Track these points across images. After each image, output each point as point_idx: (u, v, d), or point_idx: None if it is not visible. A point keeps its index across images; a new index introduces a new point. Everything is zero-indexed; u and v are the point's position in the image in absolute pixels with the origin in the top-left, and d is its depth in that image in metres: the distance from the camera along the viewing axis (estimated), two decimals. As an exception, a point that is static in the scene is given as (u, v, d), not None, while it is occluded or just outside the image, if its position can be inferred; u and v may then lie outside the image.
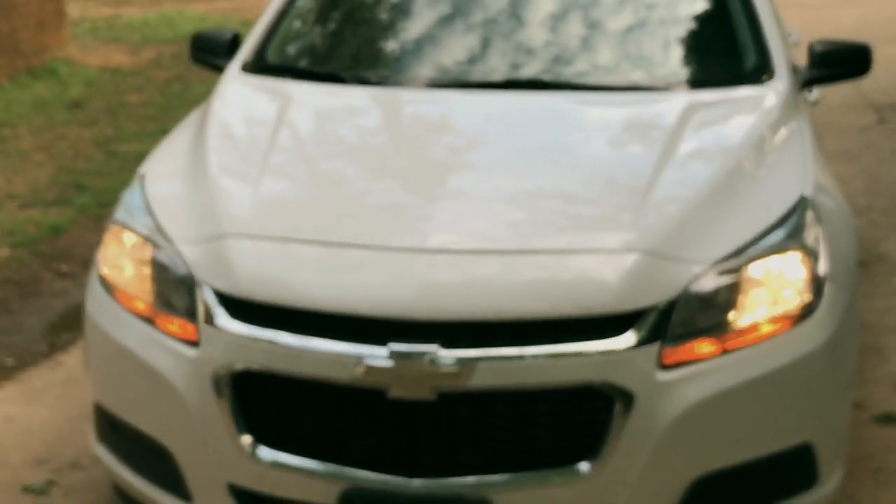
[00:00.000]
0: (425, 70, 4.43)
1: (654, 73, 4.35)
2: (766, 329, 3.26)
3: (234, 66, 4.52)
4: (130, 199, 3.75)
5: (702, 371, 3.17)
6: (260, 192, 3.60)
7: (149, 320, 3.42)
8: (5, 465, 4.28)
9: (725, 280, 3.24)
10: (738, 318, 3.24)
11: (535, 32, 4.50)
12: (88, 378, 3.72)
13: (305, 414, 3.22)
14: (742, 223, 3.39)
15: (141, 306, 3.45)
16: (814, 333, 3.32)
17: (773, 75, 4.28)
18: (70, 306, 5.73)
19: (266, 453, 3.23)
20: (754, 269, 3.29)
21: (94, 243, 6.44)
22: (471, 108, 4.17)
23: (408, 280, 3.18)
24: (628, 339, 3.10)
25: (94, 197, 7.34)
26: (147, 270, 3.48)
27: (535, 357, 3.06)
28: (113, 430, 3.60)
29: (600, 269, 3.20)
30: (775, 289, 3.31)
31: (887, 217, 6.94)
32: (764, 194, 3.56)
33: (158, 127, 9.03)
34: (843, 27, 12.04)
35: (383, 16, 4.85)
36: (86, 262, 6.24)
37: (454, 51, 4.50)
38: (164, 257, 3.44)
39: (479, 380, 3.05)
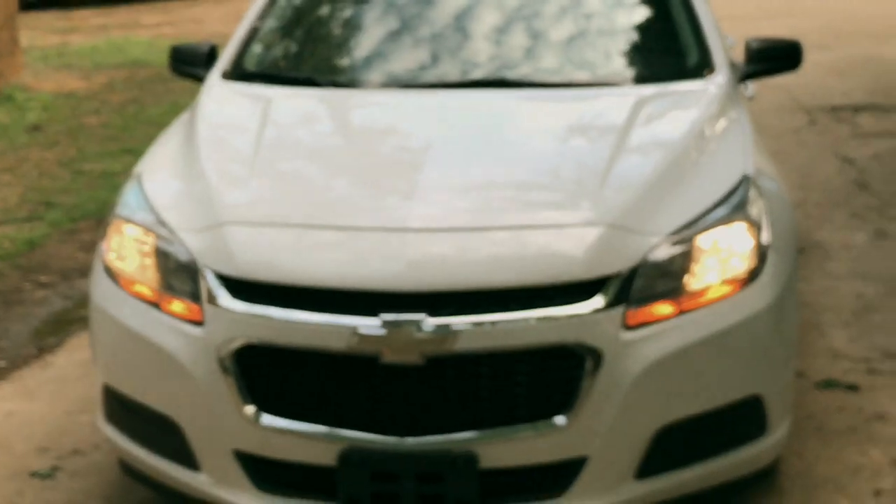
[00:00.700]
0: (390, 72, 4.73)
1: (605, 71, 4.67)
2: (717, 292, 3.57)
3: (215, 75, 4.80)
4: (130, 195, 4.00)
5: (661, 330, 3.47)
6: (252, 183, 3.89)
7: (154, 304, 3.67)
8: (11, 454, 4.51)
9: (679, 249, 3.55)
10: (692, 282, 3.54)
11: (494, 35, 4.80)
12: (95, 364, 3.95)
13: (304, 382, 3.47)
14: (692, 200, 3.70)
15: (146, 292, 3.70)
16: (760, 295, 3.63)
17: (714, 70, 4.60)
18: (52, 313, 5.96)
19: (269, 420, 3.47)
20: (704, 239, 3.60)
21: (69, 255, 6.82)
22: (438, 105, 4.46)
23: (396, 256, 3.46)
24: (596, 303, 3.40)
25: (65, 213, 7.55)
26: (151, 259, 3.73)
27: (513, 322, 3.34)
28: (121, 409, 3.83)
29: (569, 242, 3.50)
30: (724, 256, 3.62)
31: (820, 209, 7.28)
32: (710, 174, 3.87)
33: (119, 146, 9.26)
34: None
35: (349, 24, 5.12)
36: (63, 273, 6.51)
37: (415, 54, 4.80)
38: (166, 246, 3.70)
39: (463, 344, 3.33)
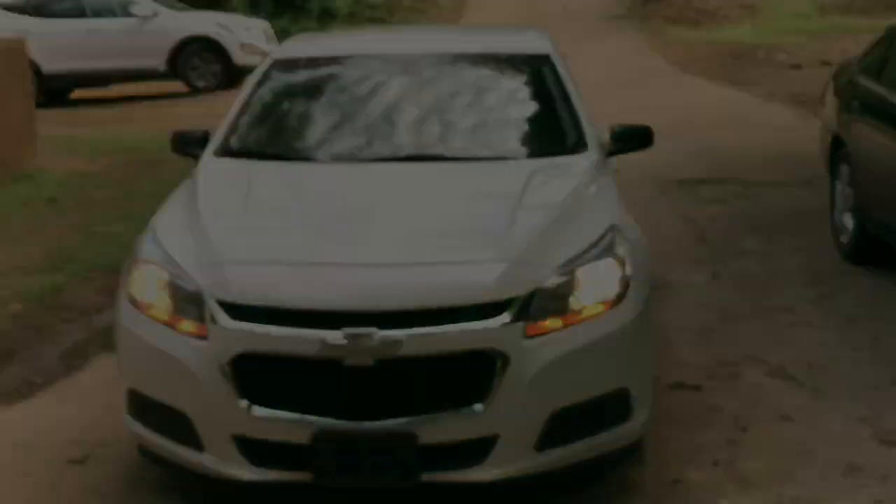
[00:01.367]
0: (342, 150, 4.85)
1: (505, 148, 4.85)
2: (594, 311, 3.83)
3: (209, 152, 4.93)
4: (148, 242, 4.16)
5: (552, 339, 3.72)
6: (242, 232, 4.10)
7: (169, 325, 3.86)
8: (52, 446, 4.62)
9: (565, 279, 3.81)
10: (575, 303, 3.80)
11: (418, 122, 4.95)
12: (120, 373, 4.11)
13: (285, 381, 3.68)
14: (574, 242, 3.96)
15: (162, 315, 3.89)
16: (625, 313, 3.89)
17: (587, 148, 4.83)
18: (76, 341, 6.02)
19: (259, 411, 3.68)
20: (583, 272, 3.86)
21: (87, 297, 6.90)
22: (378, 174, 4.63)
23: (353, 285, 3.70)
24: (504, 318, 3.66)
25: (81, 265, 7.58)
26: (165, 290, 3.91)
27: (442, 333, 3.60)
28: (142, 407, 3.98)
29: (483, 273, 3.76)
30: (598, 284, 3.88)
31: (669, 259, 7.42)
32: (587, 224, 4.12)
33: (122, 214, 9.27)
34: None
35: (308, 115, 5.21)
36: (82, 310, 6.58)
37: (360, 137, 4.91)
38: (177, 280, 3.89)
39: (405, 350, 3.57)
